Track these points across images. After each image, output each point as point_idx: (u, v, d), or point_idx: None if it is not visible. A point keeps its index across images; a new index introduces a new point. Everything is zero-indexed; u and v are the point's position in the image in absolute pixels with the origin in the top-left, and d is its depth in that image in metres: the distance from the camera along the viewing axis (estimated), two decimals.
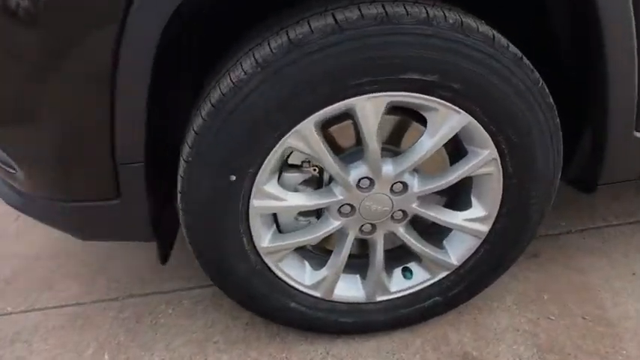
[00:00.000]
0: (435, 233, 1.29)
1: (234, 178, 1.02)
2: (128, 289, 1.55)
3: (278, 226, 1.20)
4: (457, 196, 1.24)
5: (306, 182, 1.17)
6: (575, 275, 1.53)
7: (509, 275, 1.53)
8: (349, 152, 1.13)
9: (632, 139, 1.13)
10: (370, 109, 1.00)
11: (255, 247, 1.14)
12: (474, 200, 1.20)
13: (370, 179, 1.11)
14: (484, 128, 1.05)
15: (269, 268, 1.19)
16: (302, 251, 1.27)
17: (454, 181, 1.13)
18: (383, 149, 1.13)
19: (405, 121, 1.12)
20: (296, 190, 1.15)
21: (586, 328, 1.36)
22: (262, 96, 0.94)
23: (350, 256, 1.25)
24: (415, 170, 1.14)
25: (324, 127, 1.08)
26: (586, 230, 1.71)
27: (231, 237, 1.11)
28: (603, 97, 1.06)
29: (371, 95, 0.98)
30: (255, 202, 1.08)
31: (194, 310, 1.48)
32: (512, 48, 0.99)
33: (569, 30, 1.14)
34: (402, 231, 1.21)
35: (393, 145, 1.16)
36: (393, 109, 1.07)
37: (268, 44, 0.94)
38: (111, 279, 1.60)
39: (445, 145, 1.14)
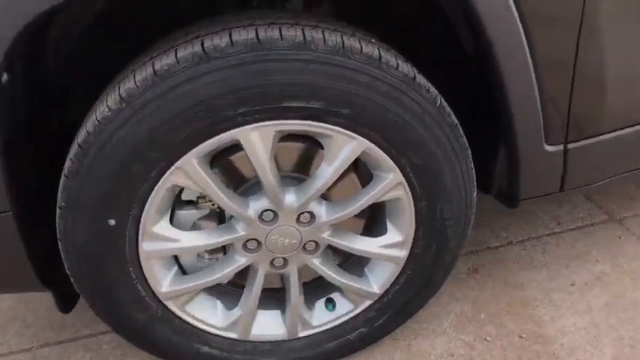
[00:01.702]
0: (356, 261, 1.22)
1: (113, 222, 0.94)
2: (43, 337, 1.45)
3: (181, 266, 1.13)
4: (374, 222, 1.18)
5: (208, 217, 1.10)
6: (515, 291, 1.48)
7: (449, 295, 1.48)
8: (250, 184, 1.07)
9: (544, 152, 1.08)
10: (257, 140, 0.93)
11: (153, 292, 1.06)
12: (389, 225, 1.13)
13: (273, 211, 1.04)
14: (384, 152, 0.99)
15: (174, 314, 1.11)
16: (213, 289, 1.19)
17: (362, 208, 1.06)
18: (291, 177, 1.07)
19: (310, 147, 1.06)
20: (196, 228, 1.08)
21: (522, 348, 1.30)
22: (130, 134, 0.87)
23: (269, 290, 1.17)
24: (323, 198, 1.08)
25: (226, 156, 1.02)
26: (527, 240, 1.66)
27: (123, 284, 1.02)
28: (507, 113, 1.01)
29: (255, 125, 0.91)
30: (145, 246, 1.00)
31: (114, 354, 1.39)
32: (403, 68, 0.93)
33: (473, 50, 1.09)
34: (316, 262, 1.14)
35: (302, 173, 1.09)
36: (295, 136, 1.01)
37: (134, 77, 0.86)
38: (24, 326, 1.49)
39: (359, 170, 1.09)
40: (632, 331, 1.32)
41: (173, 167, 0.92)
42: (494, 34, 0.90)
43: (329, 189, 1.07)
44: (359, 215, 1.13)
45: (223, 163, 1.04)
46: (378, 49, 0.92)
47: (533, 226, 1.71)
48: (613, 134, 1.13)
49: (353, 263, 1.22)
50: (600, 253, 1.58)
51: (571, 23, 0.93)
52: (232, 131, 0.91)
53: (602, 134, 1.11)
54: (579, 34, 0.94)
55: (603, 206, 1.77)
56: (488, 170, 1.21)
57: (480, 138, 1.15)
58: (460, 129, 1.02)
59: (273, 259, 1.11)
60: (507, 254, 1.61)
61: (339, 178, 1.05)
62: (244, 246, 1.07)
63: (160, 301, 1.07)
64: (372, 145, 0.98)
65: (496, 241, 1.66)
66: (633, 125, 1.14)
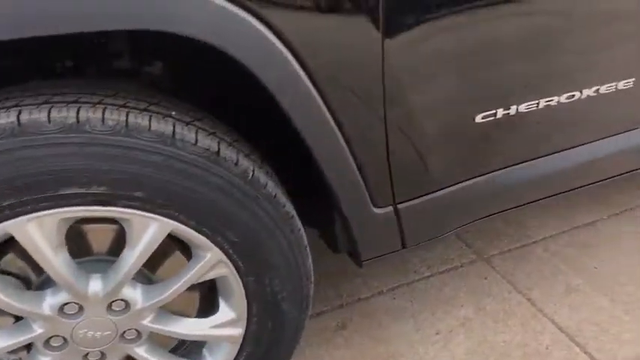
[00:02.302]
0: (193, 342, 1.13)
1: None
2: None
3: None
4: (210, 300, 1.10)
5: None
6: (382, 346, 1.44)
7: (314, 356, 1.42)
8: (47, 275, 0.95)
9: (374, 215, 1.05)
10: (36, 232, 0.82)
11: None
12: (221, 303, 1.05)
13: (77, 304, 0.93)
14: (196, 231, 0.92)
15: None
16: None
17: (183, 289, 0.98)
18: (106, 261, 0.96)
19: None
20: None
21: None
22: None
23: None
24: (143, 281, 0.98)
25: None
26: (398, 287, 1.65)
27: None
28: (326, 183, 0.98)
29: (31, 216, 0.81)
30: None
31: None
32: (204, 142, 0.87)
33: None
34: (141, 352, 1.03)
35: (117, 255, 0.99)
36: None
37: None
38: None
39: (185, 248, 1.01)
40: None
41: None
42: (295, 116, 0.87)
43: (154, 270, 0.99)
44: (192, 294, 1.05)
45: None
46: (173, 124, 0.85)
47: (404, 272, 1.70)
48: (447, 190, 1.13)
49: (190, 345, 1.12)
50: (466, 296, 1.59)
51: (374, 95, 0.92)
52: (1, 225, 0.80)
53: (435, 191, 1.11)
54: (384, 107, 0.93)
55: (473, 245, 1.81)
56: (330, 232, 1.17)
57: (317, 201, 1.12)
58: (281, 198, 0.97)
59: (86, 354, 0.99)
60: (377, 305, 1.58)
61: (163, 257, 0.97)
62: (47, 344, 0.94)
63: None
64: (180, 225, 0.90)
65: (367, 291, 1.63)
66: (467, 180, 1.15)
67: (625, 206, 1.95)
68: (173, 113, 0.89)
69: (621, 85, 1.16)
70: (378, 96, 0.90)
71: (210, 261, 0.96)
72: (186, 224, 0.90)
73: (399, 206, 1.08)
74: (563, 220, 1.88)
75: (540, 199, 1.24)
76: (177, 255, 1.02)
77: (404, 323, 1.51)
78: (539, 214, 1.93)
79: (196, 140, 0.86)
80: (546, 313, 1.52)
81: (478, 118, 1.04)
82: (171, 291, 0.97)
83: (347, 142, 0.93)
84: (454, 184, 1.14)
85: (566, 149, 1.19)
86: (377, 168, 0.99)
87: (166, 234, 0.90)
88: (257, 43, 0.84)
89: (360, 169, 0.97)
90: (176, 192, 0.86)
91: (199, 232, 0.92)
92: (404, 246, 1.19)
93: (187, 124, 0.88)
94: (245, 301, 1.03)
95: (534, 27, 1.03)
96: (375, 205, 1.04)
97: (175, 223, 0.89)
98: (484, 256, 1.75)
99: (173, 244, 0.99)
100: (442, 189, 1.11)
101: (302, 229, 1.03)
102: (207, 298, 1.09)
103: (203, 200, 0.88)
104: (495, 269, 1.69)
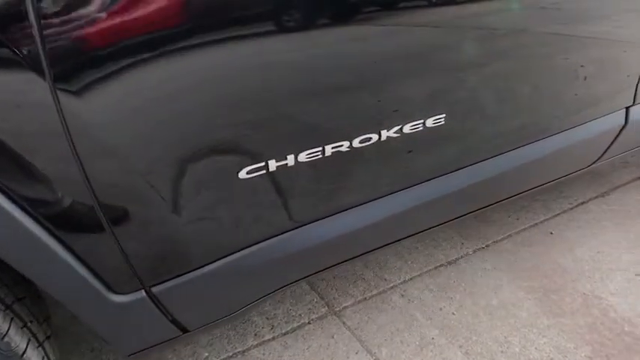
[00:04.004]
0: None
1: None
2: None
3: None
4: None
5: None
6: None
7: None
8: None
9: (115, 304, 0.81)
10: None
11: None
12: None
13: None
14: None
15: None
16: None
17: None
18: None
19: None
20: None
21: None
22: None
23: None
24: None
25: None
26: (232, 357, 1.41)
27: None
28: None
29: None
30: None
31: None
32: None
33: None
34: None
35: None
36: None
37: None
38: None
39: None
40: None
41: None
42: None
43: None
44: None
45: None
46: None
47: (243, 336, 1.46)
48: (220, 262, 0.90)
49: None
50: None
51: (71, 176, 0.69)
52: None
53: (202, 266, 0.88)
54: (92, 192, 0.71)
55: (326, 295, 1.60)
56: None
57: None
58: None
59: None
60: None
61: None
62: None
63: None
64: None
65: None
66: (249, 247, 0.93)
67: (492, 238, 1.82)
68: None
69: (430, 122, 0.99)
70: (75, 175, 0.67)
71: None
72: None
73: (154, 289, 0.84)
74: (426, 259, 1.73)
75: (342, 262, 1.05)
76: None
77: None
78: (402, 252, 1.77)
79: None
80: None
81: (242, 174, 0.84)
82: None
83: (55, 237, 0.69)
84: (230, 254, 0.91)
85: (369, 201, 1.01)
86: (105, 255, 0.76)
87: None
88: None
89: (81, 260, 0.74)
90: None
91: None
92: (184, 331, 0.95)
93: None
94: None
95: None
96: (119, 293, 0.80)
97: None
98: (335, 308, 1.55)
99: None
100: (212, 262, 0.89)
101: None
102: None
103: None
104: (346, 324, 1.49)
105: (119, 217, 0.76)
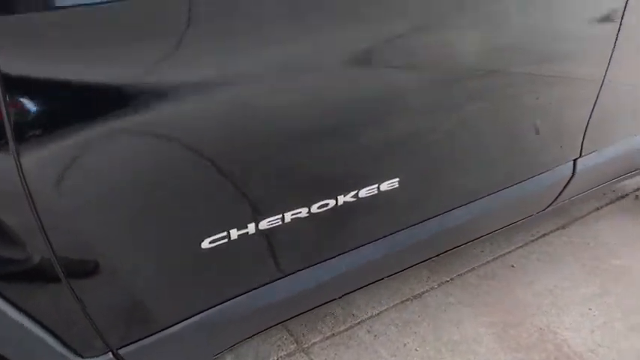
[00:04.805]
0: None
1: None
2: None
3: None
4: None
5: None
6: None
7: None
8: None
9: None
10: None
11: None
12: None
13: None
14: None
15: None
16: None
17: None
18: None
19: None
20: None
21: None
22: None
23: None
24: None
25: None
26: None
27: None
28: None
29: None
30: None
31: None
32: None
33: None
34: None
35: None
36: None
37: None
38: None
39: None
40: None
41: None
42: None
43: None
44: None
45: None
46: None
47: None
48: (189, 321, 0.96)
49: None
50: None
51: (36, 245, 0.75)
52: None
53: (170, 326, 0.94)
54: (54, 255, 0.75)
55: (295, 332, 1.66)
56: None
57: None
58: None
59: None
60: None
61: None
62: None
63: None
64: None
65: None
66: (215, 305, 0.99)
67: (457, 271, 1.91)
68: None
69: (385, 186, 1.07)
70: (35, 235, 0.72)
71: None
72: None
73: (122, 351, 0.89)
74: (393, 293, 1.80)
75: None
76: None
77: None
78: (370, 287, 1.83)
79: None
80: None
81: (205, 244, 0.89)
82: None
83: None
84: (197, 314, 0.97)
85: (331, 258, 1.08)
86: (69, 318, 0.80)
87: None
88: None
89: (41, 324, 0.78)
90: None
91: None
92: None
93: None
94: None
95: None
96: (85, 357, 0.85)
97: None
98: (304, 345, 1.61)
99: None
100: (179, 322, 0.94)
101: None
102: None
103: None
104: None
105: (81, 278, 0.80)
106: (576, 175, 1.42)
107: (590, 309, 1.73)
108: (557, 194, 1.44)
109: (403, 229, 1.14)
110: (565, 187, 1.43)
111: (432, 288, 1.83)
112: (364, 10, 0.88)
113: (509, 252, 2.00)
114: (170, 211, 0.84)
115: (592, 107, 1.33)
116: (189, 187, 0.82)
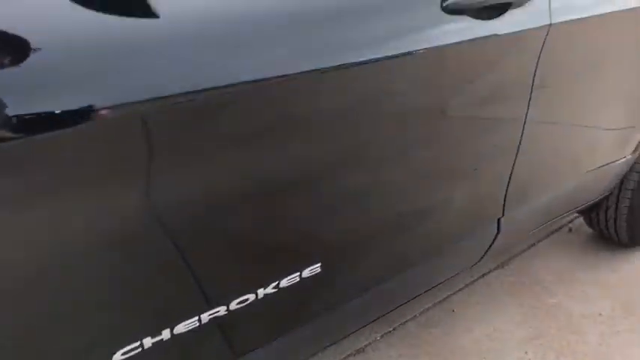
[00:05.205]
0: None
1: None
2: None
3: None
4: None
5: None
6: None
7: None
8: None
9: None
10: None
11: None
12: None
13: None
14: None
15: None
16: None
17: None
18: None
19: None
20: None
21: None
22: None
23: None
24: None
25: None
26: None
27: None
28: None
29: None
30: None
31: None
32: None
33: None
34: None
35: None
36: None
37: None
38: None
39: None
40: None
41: None
42: None
43: None
44: None
45: None
46: None
47: None
48: None
49: None
50: None
51: None
52: None
53: None
54: None
55: None
56: None
57: None
58: None
59: None
60: None
61: None
62: None
63: None
64: None
65: None
66: None
67: (398, 320, 1.93)
68: None
69: (306, 272, 1.07)
70: None
71: None
72: None
73: None
74: (334, 349, 1.80)
75: None
76: None
77: None
78: None
79: None
80: None
81: (117, 356, 0.87)
82: None
83: None
84: None
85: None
86: None
87: None
88: None
89: None
90: None
91: None
92: None
93: None
94: None
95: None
96: None
97: None
98: None
99: None
100: None
101: None
102: None
103: None
104: None
105: None
106: (501, 232, 1.47)
107: (526, 352, 1.78)
108: (484, 252, 1.49)
109: (330, 309, 1.15)
110: (492, 243, 1.48)
111: (375, 340, 1.84)
112: None
113: (450, 296, 2.04)
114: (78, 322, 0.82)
115: (510, 170, 1.38)
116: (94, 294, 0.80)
